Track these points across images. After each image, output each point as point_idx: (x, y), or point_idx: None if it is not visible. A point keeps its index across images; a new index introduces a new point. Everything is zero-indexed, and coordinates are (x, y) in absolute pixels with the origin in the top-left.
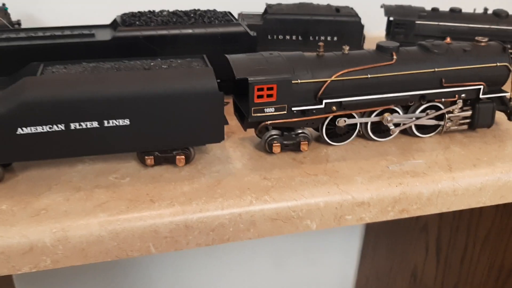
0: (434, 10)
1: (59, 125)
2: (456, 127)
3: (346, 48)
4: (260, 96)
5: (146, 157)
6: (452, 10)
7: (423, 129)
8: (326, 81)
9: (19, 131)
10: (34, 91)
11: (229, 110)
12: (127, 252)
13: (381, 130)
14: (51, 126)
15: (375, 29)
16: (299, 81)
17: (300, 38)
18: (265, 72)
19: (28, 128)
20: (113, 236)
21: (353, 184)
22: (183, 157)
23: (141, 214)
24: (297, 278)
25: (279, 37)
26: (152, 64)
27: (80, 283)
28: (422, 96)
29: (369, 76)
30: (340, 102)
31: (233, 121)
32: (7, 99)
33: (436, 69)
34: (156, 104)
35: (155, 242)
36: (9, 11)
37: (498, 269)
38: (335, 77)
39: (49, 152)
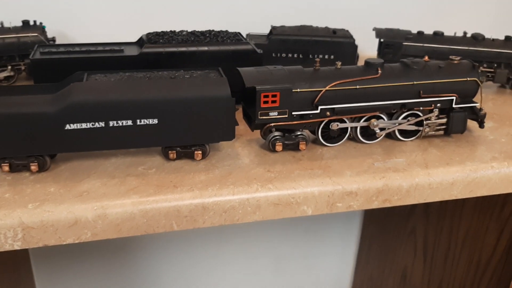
0: (420, 33)
1: (100, 123)
2: (433, 132)
3: (339, 63)
4: (265, 102)
5: (169, 151)
6: (435, 33)
7: (405, 133)
8: (321, 90)
9: (67, 127)
10: (81, 94)
11: (238, 116)
12: (154, 228)
13: (368, 134)
14: (93, 123)
15: (369, 49)
16: (298, 90)
17: (300, 56)
18: (270, 82)
19: (74, 124)
20: (143, 214)
21: (343, 177)
22: (200, 152)
23: (166, 196)
24: (296, 282)
25: (282, 55)
26: (176, 74)
27: (89, 278)
28: (403, 104)
29: (357, 87)
30: (333, 108)
31: (241, 125)
32: (59, 101)
33: (415, 82)
34: (179, 107)
35: (177, 220)
36: (46, 29)
37: (476, 265)
38: (329, 87)
39: (91, 145)
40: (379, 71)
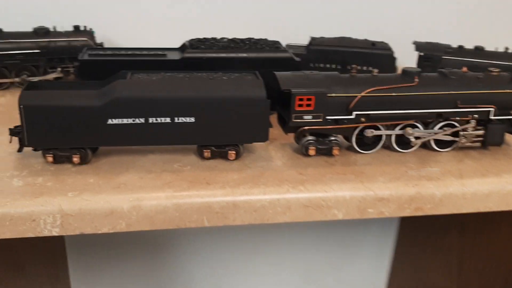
0: (460, 47)
1: (140, 119)
2: (470, 144)
3: (375, 71)
4: (300, 105)
5: (204, 150)
6: (476, 48)
7: (441, 144)
8: (357, 96)
9: (109, 121)
10: (124, 90)
11: (274, 122)
12: (185, 222)
13: (404, 142)
14: (134, 119)
15: (408, 63)
16: (333, 94)
17: (339, 67)
18: (306, 85)
19: (116, 119)
20: (176, 207)
21: (375, 182)
22: (234, 152)
23: (199, 192)
24: None
25: (320, 65)
26: (215, 76)
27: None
28: (439, 114)
29: (393, 94)
30: (368, 114)
31: (276, 130)
32: (103, 96)
33: (452, 92)
34: (216, 106)
35: (208, 216)
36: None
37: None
38: (364, 93)
39: (130, 140)
40: (416, 79)
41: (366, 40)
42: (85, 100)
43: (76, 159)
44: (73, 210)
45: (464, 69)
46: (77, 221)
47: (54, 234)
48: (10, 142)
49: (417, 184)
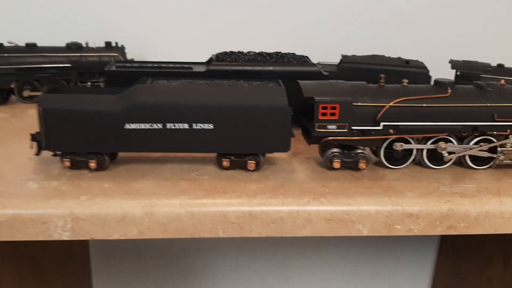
0: (500, 66)
1: (158, 124)
2: (509, 161)
3: (405, 81)
4: (324, 114)
5: (223, 159)
6: None
7: (477, 161)
8: (385, 106)
9: (127, 126)
10: (143, 95)
11: (298, 135)
12: (199, 231)
13: (436, 158)
14: (151, 124)
15: None
16: (359, 103)
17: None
18: (330, 93)
19: (134, 124)
20: (190, 215)
21: (404, 197)
22: (254, 162)
23: (214, 200)
24: None
25: None
26: (236, 83)
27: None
28: (474, 127)
29: (424, 105)
30: (398, 125)
31: (301, 144)
32: (122, 100)
33: (488, 104)
34: (236, 113)
35: (223, 226)
36: (125, 51)
37: None
38: (393, 103)
39: (148, 146)
40: (449, 90)
41: (399, 58)
42: (104, 105)
43: (93, 164)
44: (85, 214)
45: (502, 81)
46: (88, 226)
47: (65, 238)
48: (31, 147)
49: (450, 200)
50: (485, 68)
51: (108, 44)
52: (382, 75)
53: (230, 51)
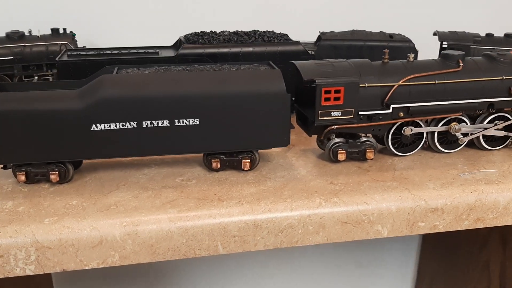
0: (489, 35)
1: (132, 123)
2: None
3: (411, 55)
4: (327, 99)
5: (212, 160)
6: (507, 35)
7: (491, 141)
8: (394, 85)
9: (94, 127)
10: (111, 88)
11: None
12: (195, 250)
13: (448, 141)
14: (124, 123)
15: (431, 56)
16: (366, 85)
17: None
18: (333, 74)
19: (102, 124)
20: (182, 232)
21: (425, 189)
22: (249, 160)
23: (210, 211)
24: None
25: None
26: (221, 67)
27: None
28: (491, 104)
29: (436, 82)
30: (408, 107)
31: (293, 135)
32: (85, 95)
33: (504, 77)
34: (225, 104)
35: (223, 241)
36: (76, 38)
37: None
38: (402, 82)
39: (120, 150)
40: (461, 64)
41: (382, 32)
42: (62, 103)
43: (54, 176)
44: (51, 241)
45: None
46: (57, 255)
47: (29, 273)
48: None
49: (476, 189)
50: (474, 38)
51: (55, 31)
52: (386, 50)
53: (201, 32)
